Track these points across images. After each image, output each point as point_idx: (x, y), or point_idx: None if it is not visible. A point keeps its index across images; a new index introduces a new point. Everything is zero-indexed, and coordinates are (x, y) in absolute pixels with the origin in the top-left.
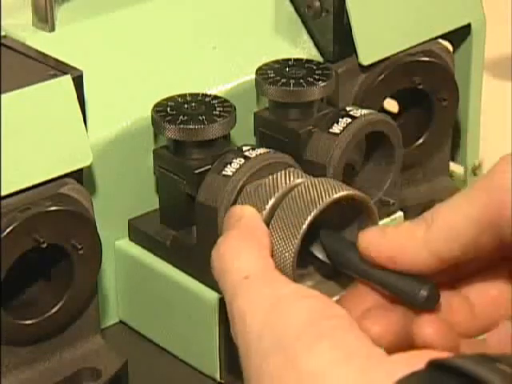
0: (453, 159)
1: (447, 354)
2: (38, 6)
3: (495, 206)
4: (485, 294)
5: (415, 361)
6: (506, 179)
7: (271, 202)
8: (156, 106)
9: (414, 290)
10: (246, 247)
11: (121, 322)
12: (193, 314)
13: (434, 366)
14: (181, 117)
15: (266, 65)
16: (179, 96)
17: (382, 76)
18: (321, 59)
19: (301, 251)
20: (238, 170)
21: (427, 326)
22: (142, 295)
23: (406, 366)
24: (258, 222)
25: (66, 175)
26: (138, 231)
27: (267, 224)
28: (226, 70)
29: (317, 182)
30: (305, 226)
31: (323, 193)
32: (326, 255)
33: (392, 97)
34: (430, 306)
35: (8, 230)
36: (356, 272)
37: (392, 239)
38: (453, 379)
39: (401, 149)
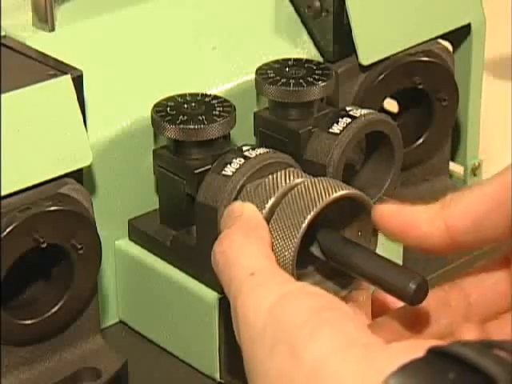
0: (453, 159)
1: (447, 342)
2: (38, 6)
3: (506, 185)
4: (481, 285)
5: (414, 349)
6: None
7: (271, 202)
8: (156, 106)
9: (404, 283)
10: (249, 243)
11: (121, 321)
12: (193, 314)
13: (434, 353)
14: (181, 117)
15: (265, 65)
16: (179, 96)
17: (382, 76)
18: (321, 59)
19: (300, 251)
20: (237, 169)
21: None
22: (142, 295)
23: (405, 354)
24: (259, 218)
25: (66, 175)
26: (137, 231)
27: (267, 223)
28: (226, 70)
29: (316, 182)
30: (304, 226)
31: (323, 192)
32: (321, 251)
33: (392, 97)
34: (419, 299)
35: (8, 230)
36: (349, 267)
37: (407, 211)
38: (453, 366)
39: (401, 149)
